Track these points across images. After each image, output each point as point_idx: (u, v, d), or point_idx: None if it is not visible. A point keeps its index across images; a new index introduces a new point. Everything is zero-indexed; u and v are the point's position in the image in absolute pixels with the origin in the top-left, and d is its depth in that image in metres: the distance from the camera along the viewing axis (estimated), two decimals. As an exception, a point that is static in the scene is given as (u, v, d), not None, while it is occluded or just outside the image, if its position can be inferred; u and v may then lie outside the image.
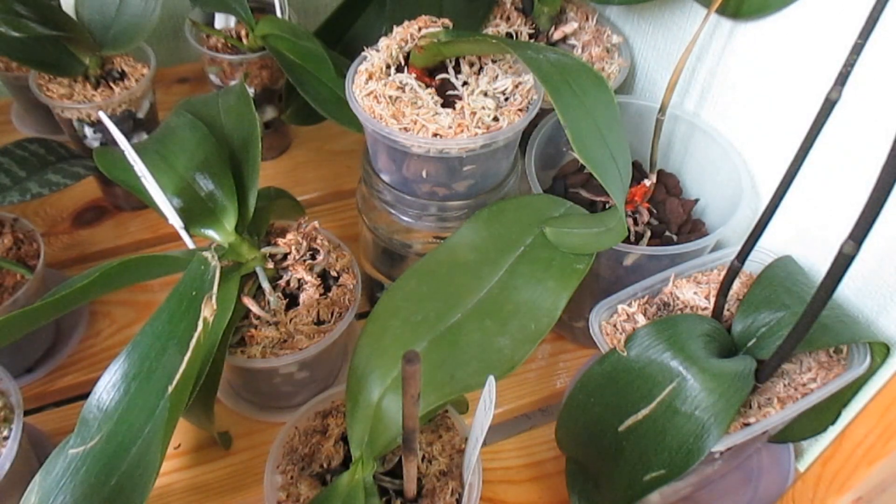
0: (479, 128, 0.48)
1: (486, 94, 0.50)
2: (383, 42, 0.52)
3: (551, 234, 0.47)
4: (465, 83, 0.51)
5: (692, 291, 0.50)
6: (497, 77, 0.51)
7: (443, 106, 0.49)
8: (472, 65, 0.52)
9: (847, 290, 0.50)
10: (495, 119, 0.49)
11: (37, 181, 0.60)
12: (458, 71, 0.52)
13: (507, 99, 0.51)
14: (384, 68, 0.51)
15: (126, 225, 0.74)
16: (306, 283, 0.53)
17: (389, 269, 0.62)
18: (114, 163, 0.50)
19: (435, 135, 0.48)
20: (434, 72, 0.52)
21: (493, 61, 0.52)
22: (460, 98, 0.50)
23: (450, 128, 0.48)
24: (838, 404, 0.51)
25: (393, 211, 0.55)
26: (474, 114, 0.48)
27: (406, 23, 0.53)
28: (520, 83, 0.51)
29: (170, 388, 0.36)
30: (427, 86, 0.50)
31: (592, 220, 0.48)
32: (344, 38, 0.70)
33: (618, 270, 0.56)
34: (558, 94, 0.43)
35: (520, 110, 0.50)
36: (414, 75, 0.50)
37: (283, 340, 0.51)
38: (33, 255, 0.60)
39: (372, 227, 0.59)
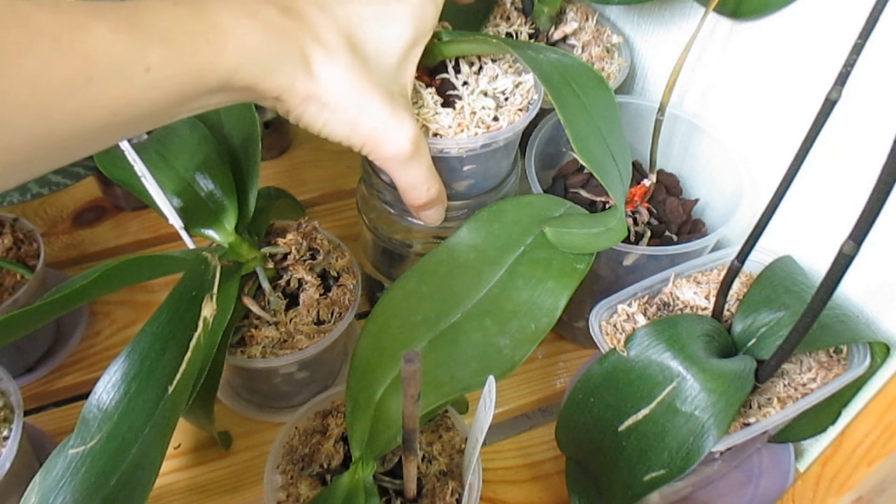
0: (479, 128, 0.48)
1: (486, 94, 0.50)
2: (383, 42, 0.52)
3: (551, 234, 0.47)
4: (465, 83, 0.51)
5: (692, 291, 0.50)
6: (497, 77, 0.51)
7: (443, 106, 0.49)
8: (472, 65, 0.52)
9: (847, 290, 0.50)
10: (495, 119, 0.49)
11: (37, 181, 0.60)
12: (458, 71, 0.52)
13: (507, 99, 0.51)
14: (384, 68, 0.51)
15: (126, 225, 0.74)
16: (306, 283, 0.53)
17: (389, 269, 0.62)
18: (114, 163, 0.50)
19: (435, 135, 0.48)
20: (434, 72, 0.52)
21: (493, 61, 0.52)
22: (460, 98, 0.50)
23: (450, 128, 0.48)
24: (838, 404, 0.50)
25: (393, 211, 0.55)
26: (474, 114, 0.48)
27: (406, 23, 0.53)
28: (520, 83, 0.51)
29: (170, 388, 0.36)
30: (427, 85, 0.50)
31: (592, 220, 0.48)
32: (344, 38, 0.70)
33: (618, 270, 0.56)
34: (558, 94, 0.43)
35: (520, 110, 0.50)
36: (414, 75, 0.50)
37: (283, 340, 0.51)
38: (33, 255, 0.60)
39: (372, 227, 0.59)
